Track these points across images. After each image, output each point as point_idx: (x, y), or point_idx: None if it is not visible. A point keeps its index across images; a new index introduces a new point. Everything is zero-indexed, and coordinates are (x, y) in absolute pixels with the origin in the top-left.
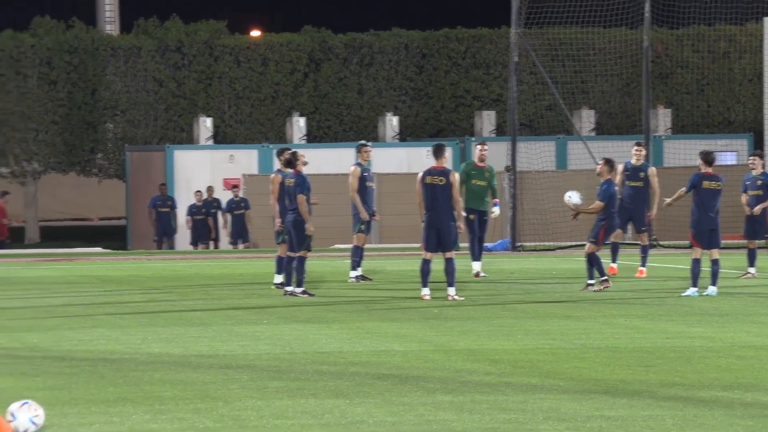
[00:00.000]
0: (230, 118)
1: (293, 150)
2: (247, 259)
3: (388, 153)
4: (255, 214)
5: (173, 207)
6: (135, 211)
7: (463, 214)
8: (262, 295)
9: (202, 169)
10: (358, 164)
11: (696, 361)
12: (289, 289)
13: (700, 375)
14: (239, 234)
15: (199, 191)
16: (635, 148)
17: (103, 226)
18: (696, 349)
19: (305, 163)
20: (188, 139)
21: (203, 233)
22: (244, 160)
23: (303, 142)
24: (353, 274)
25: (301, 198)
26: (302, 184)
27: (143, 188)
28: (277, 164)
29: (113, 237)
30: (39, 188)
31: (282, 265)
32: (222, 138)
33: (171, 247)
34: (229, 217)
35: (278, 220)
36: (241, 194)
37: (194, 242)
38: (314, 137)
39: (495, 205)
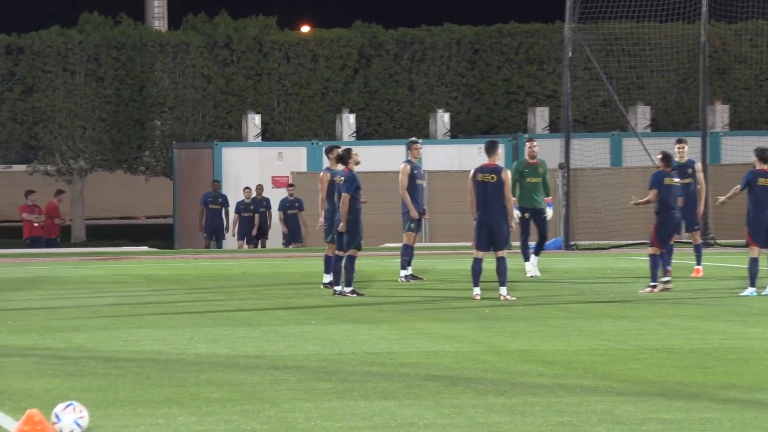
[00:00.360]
0: (279, 115)
1: (347, 147)
2: (295, 259)
3: (438, 150)
4: (304, 212)
5: (225, 204)
6: (182, 209)
7: (516, 213)
8: (310, 294)
9: (251, 167)
10: (409, 162)
11: (755, 363)
12: (338, 288)
13: (759, 377)
14: (292, 235)
15: (248, 188)
16: (677, 146)
17: (149, 225)
18: (755, 350)
19: (357, 162)
20: (237, 137)
21: (250, 232)
22: (292, 158)
23: (352, 139)
24: (403, 273)
25: (345, 197)
26: (351, 182)
27: (191, 186)
28: (326, 162)
29: (160, 236)
30: (85, 186)
31: (330, 265)
32: (271, 135)
33: (220, 246)
34: (280, 216)
35: (321, 219)
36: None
37: (242, 239)
38: (364, 134)
39: (548, 205)
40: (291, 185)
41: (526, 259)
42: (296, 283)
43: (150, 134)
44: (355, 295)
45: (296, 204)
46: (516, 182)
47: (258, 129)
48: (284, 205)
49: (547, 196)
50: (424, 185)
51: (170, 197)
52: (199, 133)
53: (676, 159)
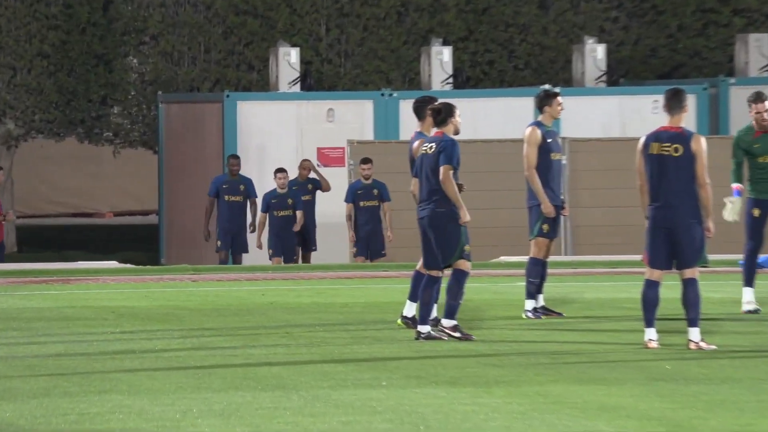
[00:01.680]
0: (328, 50)
1: (445, 102)
2: (354, 280)
3: (588, 105)
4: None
5: (250, 194)
6: (172, 201)
7: (731, 205)
8: (379, 338)
9: (283, 133)
10: (539, 125)
11: None
12: (425, 330)
13: None
14: (368, 242)
15: (281, 171)
16: None
17: (120, 227)
18: None
19: (457, 131)
20: (261, 84)
21: (289, 240)
22: (350, 118)
23: (447, 87)
24: (530, 305)
25: (446, 172)
26: (451, 150)
27: (187, 165)
28: (411, 124)
29: (137, 244)
30: (16, 164)
31: (419, 287)
32: (315, 82)
33: (239, 261)
34: (348, 211)
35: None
36: (369, 175)
37: (278, 255)
38: (465, 79)
39: (735, 193)
40: (367, 162)
41: (748, 283)
42: (358, 319)
43: (121, 79)
44: (458, 335)
45: (374, 191)
46: (737, 162)
47: (295, 72)
48: (355, 194)
49: None
50: (564, 162)
51: (154, 182)
52: (199, 77)
53: None
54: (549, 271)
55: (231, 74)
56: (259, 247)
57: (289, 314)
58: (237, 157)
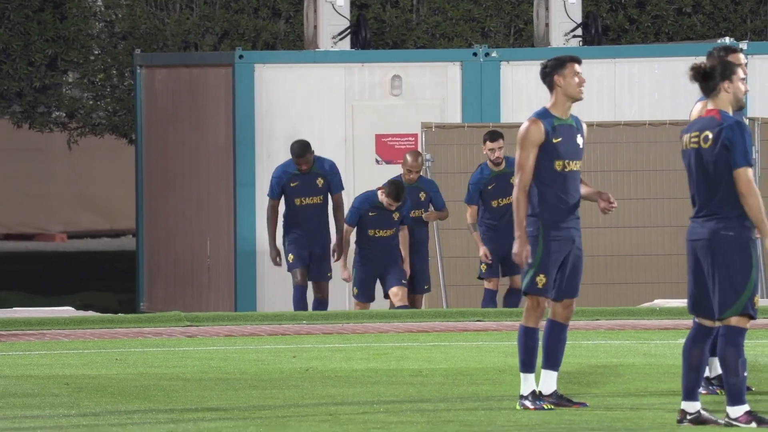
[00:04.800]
0: None
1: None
2: (432, 335)
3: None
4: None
5: (333, 188)
6: (156, 215)
7: None
8: (473, 424)
9: (324, 112)
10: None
11: None
12: (693, 408)
13: None
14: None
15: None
16: None
17: (79, 254)
18: None
19: (739, 106)
20: (290, 39)
21: (390, 263)
22: (426, 89)
23: (574, 42)
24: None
25: (746, 175)
26: (739, 142)
27: (178, 161)
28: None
29: (104, 280)
30: None
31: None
32: (373, 36)
33: (323, 296)
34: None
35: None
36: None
37: (365, 299)
38: (602, 30)
39: None
40: (496, 138)
41: None
42: (440, 397)
43: (78, 31)
44: (753, 423)
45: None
46: None
47: (344, 20)
48: (484, 189)
49: None
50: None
51: (129, 188)
52: (197, 28)
53: None
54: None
55: (245, 24)
56: (346, 279)
57: (333, 387)
58: (305, 144)
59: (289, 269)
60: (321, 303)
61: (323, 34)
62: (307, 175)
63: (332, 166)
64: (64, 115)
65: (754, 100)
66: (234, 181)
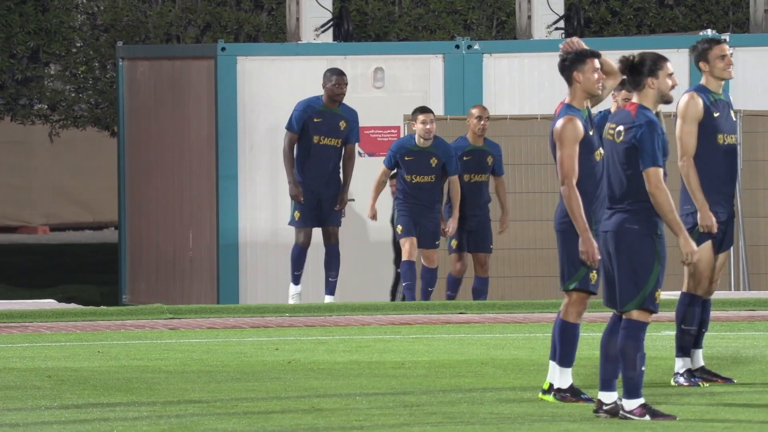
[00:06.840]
0: None
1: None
2: (414, 327)
3: (753, 59)
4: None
5: (353, 136)
6: (138, 208)
7: None
8: (456, 415)
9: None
10: (700, 90)
11: None
12: (609, 398)
13: None
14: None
15: (425, 111)
16: None
17: (61, 246)
18: None
19: (665, 100)
20: (273, 31)
21: (428, 216)
22: (409, 82)
23: (556, 35)
24: (682, 365)
25: (656, 175)
26: (649, 141)
27: (160, 153)
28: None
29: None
30: None
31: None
32: (355, 28)
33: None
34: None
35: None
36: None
37: (407, 232)
38: (584, 23)
39: None
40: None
41: None
42: (423, 389)
43: (60, 23)
44: (647, 416)
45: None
46: None
47: (327, 12)
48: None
49: None
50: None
51: (111, 180)
52: (179, 21)
53: None
54: (713, 314)
55: (228, 16)
56: (373, 217)
57: (316, 379)
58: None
59: (291, 223)
60: (331, 248)
61: (306, 26)
62: (332, 113)
63: (356, 116)
64: (46, 107)
65: (736, 92)
66: (216, 174)
